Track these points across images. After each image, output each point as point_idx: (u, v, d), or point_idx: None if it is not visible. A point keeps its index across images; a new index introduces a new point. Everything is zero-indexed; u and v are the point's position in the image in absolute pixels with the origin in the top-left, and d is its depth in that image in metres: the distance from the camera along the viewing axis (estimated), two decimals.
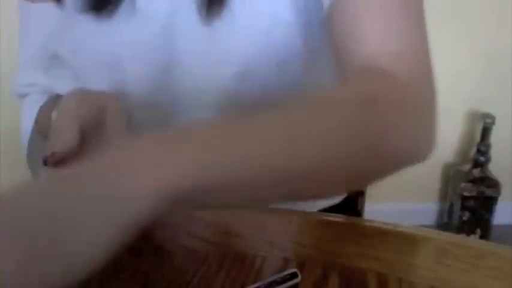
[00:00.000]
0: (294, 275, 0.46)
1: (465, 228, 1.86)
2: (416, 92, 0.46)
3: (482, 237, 1.85)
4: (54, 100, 0.63)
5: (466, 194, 1.82)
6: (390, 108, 0.43)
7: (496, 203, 1.83)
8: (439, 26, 1.66)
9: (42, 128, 0.67)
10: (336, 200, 0.77)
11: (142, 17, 0.58)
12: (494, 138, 1.81)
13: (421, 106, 0.46)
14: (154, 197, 0.32)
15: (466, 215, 1.85)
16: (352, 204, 0.85)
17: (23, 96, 0.69)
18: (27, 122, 0.67)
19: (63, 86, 0.63)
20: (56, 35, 0.63)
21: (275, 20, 0.57)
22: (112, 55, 0.60)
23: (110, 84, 0.61)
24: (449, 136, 1.92)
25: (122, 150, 0.35)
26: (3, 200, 0.32)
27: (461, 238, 0.53)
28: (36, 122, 0.67)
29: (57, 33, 0.63)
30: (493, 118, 1.78)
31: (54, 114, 0.57)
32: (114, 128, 0.51)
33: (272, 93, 0.63)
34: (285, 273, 0.46)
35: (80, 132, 0.47)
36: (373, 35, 0.46)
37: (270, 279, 0.45)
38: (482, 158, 1.81)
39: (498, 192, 1.82)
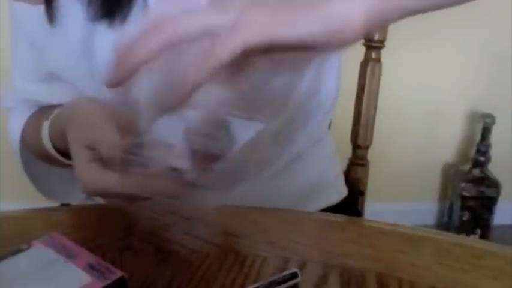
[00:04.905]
0: (294, 275, 0.46)
1: (465, 228, 1.86)
2: None
3: (482, 237, 1.85)
4: (43, 111, 0.62)
5: (466, 194, 1.82)
6: None
7: (496, 203, 1.83)
8: (440, 27, 1.66)
9: (29, 141, 0.66)
10: (335, 199, 0.77)
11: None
12: (494, 138, 1.81)
13: None
14: None
15: (466, 215, 1.85)
16: (352, 204, 0.85)
17: (11, 108, 0.68)
18: (15, 134, 0.66)
19: (59, 97, 0.62)
20: (45, 50, 0.61)
21: None
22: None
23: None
24: (449, 136, 1.92)
25: None
26: None
27: (461, 238, 0.53)
28: (23, 138, 0.66)
29: (47, 47, 0.61)
30: (493, 118, 1.78)
31: (45, 124, 0.56)
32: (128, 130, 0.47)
33: (278, 81, 0.62)
34: (285, 273, 0.46)
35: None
36: None
37: (270, 279, 0.45)
38: (482, 158, 1.81)
39: (498, 192, 1.81)
